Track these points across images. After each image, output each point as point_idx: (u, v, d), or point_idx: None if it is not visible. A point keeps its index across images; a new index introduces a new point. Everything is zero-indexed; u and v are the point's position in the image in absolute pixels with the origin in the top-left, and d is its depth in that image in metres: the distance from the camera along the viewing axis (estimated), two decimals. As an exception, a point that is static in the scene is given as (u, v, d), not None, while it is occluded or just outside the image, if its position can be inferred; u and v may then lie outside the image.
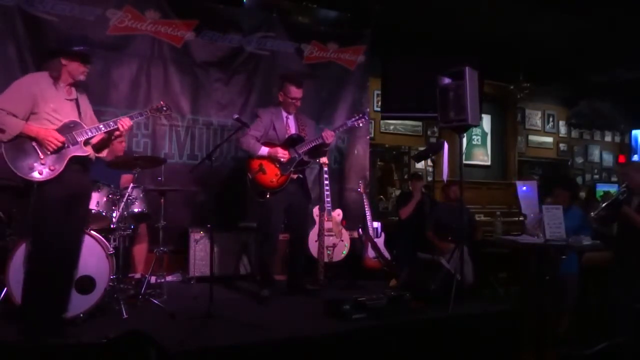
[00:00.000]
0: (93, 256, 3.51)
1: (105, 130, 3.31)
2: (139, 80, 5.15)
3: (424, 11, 6.18)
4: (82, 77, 3.29)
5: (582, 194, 8.78)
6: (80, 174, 3.27)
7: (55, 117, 3.15)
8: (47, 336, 3.04)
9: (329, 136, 4.41)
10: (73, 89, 3.30)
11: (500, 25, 6.45)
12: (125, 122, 3.35)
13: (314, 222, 5.14)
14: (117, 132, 3.38)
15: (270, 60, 5.75)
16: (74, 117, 3.24)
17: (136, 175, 4.02)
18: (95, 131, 3.26)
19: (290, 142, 4.41)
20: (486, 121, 8.48)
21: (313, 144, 4.40)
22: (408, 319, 3.71)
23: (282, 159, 4.29)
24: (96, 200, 3.78)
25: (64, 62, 3.20)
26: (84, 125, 3.25)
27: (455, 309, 3.86)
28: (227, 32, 5.52)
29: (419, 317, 3.77)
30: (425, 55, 5.96)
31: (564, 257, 4.01)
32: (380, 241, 5.43)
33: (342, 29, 6.29)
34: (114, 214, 3.85)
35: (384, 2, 5.91)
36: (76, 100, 3.30)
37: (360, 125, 4.90)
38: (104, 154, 3.53)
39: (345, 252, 5.29)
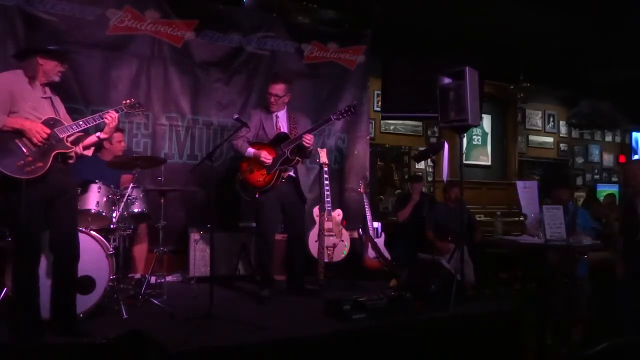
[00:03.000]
0: (93, 256, 3.50)
1: (86, 127, 3.24)
2: (138, 81, 5.15)
3: (424, 11, 6.18)
4: (56, 78, 3.24)
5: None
6: (63, 174, 3.22)
7: (35, 115, 3.10)
8: (38, 336, 3.03)
9: (308, 138, 4.33)
10: (47, 88, 3.25)
11: (501, 25, 6.45)
12: (112, 115, 3.32)
13: (314, 222, 5.14)
14: (108, 128, 3.36)
15: (271, 60, 5.75)
16: (52, 115, 3.19)
17: (136, 175, 4.02)
18: (75, 127, 3.20)
19: (277, 140, 4.39)
20: (486, 121, 8.49)
21: (295, 142, 4.34)
22: (408, 319, 3.70)
23: (264, 162, 4.28)
24: (96, 200, 3.78)
25: (40, 61, 3.15)
26: (64, 122, 3.20)
27: (455, 309, 3.85)
28: (227, 32, 5.51)
29: (419, 317, 3.76)
30: (425, 55, 5.95)
31: (585, 256, 3.98)
32: (380, 241, 5.42)
33: (343, 29, 6.29)
34: (114, 214, 3.84)
35: (384, 3, 5.91)
36: (51, 99, 3.26)
37: (347, 117, 4.82)
38: (89, 152, 3.49)
39: (345, 252, 5.28)
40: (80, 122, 3.23)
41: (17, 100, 3.06)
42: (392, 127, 7.66)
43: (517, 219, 6.48)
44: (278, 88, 4.44)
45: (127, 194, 3.90)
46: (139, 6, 5.09)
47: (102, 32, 4.93)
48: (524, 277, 5.03)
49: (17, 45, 4.54)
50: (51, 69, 3.19)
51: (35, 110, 3.11)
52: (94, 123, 3.30)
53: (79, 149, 3.37)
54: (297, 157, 4.40)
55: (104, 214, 3.81)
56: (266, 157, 4.29)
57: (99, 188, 3.81)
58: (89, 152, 3.49)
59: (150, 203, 4.27)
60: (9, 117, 3.02)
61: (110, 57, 5.00)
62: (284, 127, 4.51)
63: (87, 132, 3.38)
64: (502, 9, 6.12)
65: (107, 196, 3.84)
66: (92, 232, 3.62)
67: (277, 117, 4.52)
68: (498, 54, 6.61)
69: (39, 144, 3.02)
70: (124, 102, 3.53)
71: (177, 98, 5.34)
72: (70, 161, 3.30)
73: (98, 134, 3.43)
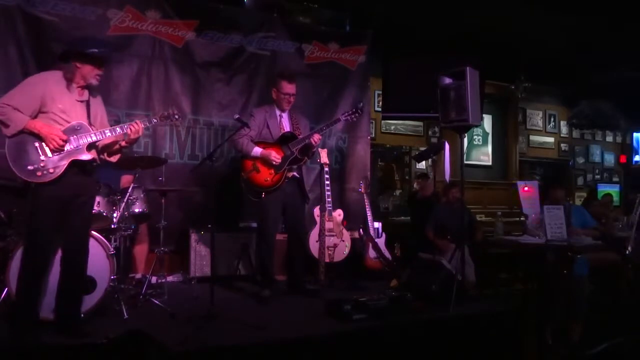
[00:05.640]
0: (94, 256, 3.49)
1: (112, 136, 3.27)
2: (139, 81, 5.15)
3: (424, 11, 6.18)
4: (94, 81, 3.25)
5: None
6: (81, 177, 3.22)
7: (63, 118, 3.12)
8: (35, 337, 3.04)
9: (317, 138, 4.37)
10: (85, 91, 3.27)
11: (501, 25, 6.45)
12: (135, 127, 3.31)
13: (314, 223, 5.14)
14: (129, 138, 3.35)
15: (271, 60, 5.75)
16: (83, 119, 3.20)
17: (137, 175, 4.02)
18: (100, 135, 3.22)
19: (284, 140, 4.41)
20: (487, 121, 8.48)
21: (305, 142, 4.37)
22: (409, 320, 3.71)
23: (274, 162, 4.29)
24: (97, 201, 3.77)
25: (78, 65, 3.18)
26: (91, 128, 3.21)
27: (456, 309, 3.85)
28: (227, 32, 5.51)
29: (420, 317, 3.77)
30: (425, 55, 5.95)
31: (579, 256, 3.98)
32: (381, 241, 5.43)
33: (343, 29, 6.30)
34: (115, 214, 3.85)
35: (385, 2, 5.91)
36: (87, 102, 3.27)
37: (354, 119, 4.87)
38: (114, 159, 3.49)
39: (346, 252, 5.28)
40: (106, 131, 3.25)
41: (47, 101, 3.09)
42: (392, 127, 7.66)
43: (518, 219, 6.48)
44: (293, 87, 4.46)
45: (128, 194, 3.90)
46: (140, 6, 5.10)
47: (103, 32, 4.93)
48: (525, 278, 5.02)
49: (18, 46, 4.56)
50: (88, 72, 3.21)
51: (64, 112, 3.13)
52: (121, 132, 3.30)
53: (104, 155, 3.40)
54: (305, 157, 4.42)
55: (104, 214, 3.81)
56: (276, 156, 4.30)
57: (100, 188, 3.81)
58: (114, 159, 3.50)
59: (151, 203, 4.28)
60: (36, 117, 3.06)
61: (111, 57, 5.00)
62: (287, 126, 4.52)
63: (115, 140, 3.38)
64: (502, 9, 6.12)
65: (108, 196, 3.84)
66: (93, 232, 3.62)
67: (281, 116, 4.53)
68: (498, 54, 6.61)
69: (55, 150, 3.05)
70: (160, 113, 3.54)
71: (178, 98, 5.34)
72: (93, 164, 3.31)
73: (120, 142, 3.44)
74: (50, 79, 3.17)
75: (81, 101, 3.24)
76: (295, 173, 4.45)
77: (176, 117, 3.56)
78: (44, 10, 4.66)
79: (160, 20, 5.20)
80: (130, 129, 3.31)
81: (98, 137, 3.22)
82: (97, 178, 3.83)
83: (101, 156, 3.40)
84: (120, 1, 5.00)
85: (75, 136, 3.13)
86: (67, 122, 3.13)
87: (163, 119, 3.53)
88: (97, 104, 3.37)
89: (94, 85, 3.29)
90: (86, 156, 3.19)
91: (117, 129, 3.29)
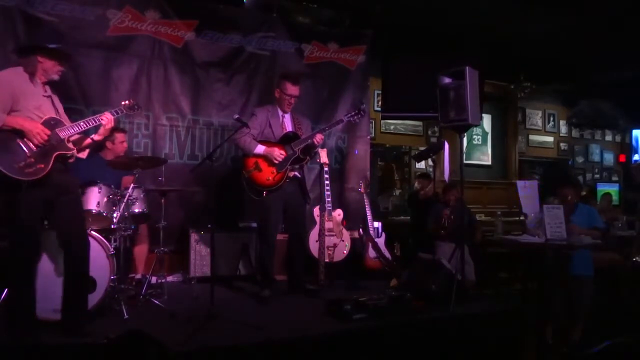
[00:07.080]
0: (94, 256, 3.48)
1: (86, 128, 3.23)
2: (139, 81, 5.15)
3: (424, 11, 6.18)
4: (56, 77, 3.21)
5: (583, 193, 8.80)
6: (63, 174, 3.20)
7: (38, 115, 3.08)
8: (32, 337, 3.03)
9: (319, 138, 4.41)
10: (47, 87, 3.23)
11: (500, 25, 6.45)
12: (107, 116, 3.30)
13: (314, 222, 5.14)
14: (103, 129, 3.33)
15: (271, 60, 5.75)
16: (53, 114, 3.17)
17: (137, 175, 4.02)
18: (77, 128, 3.18)
19: (286, 140, 4.42)
20: (487, 121, 8.49)
21: (307, 142, 4.39)
22: (409, 319, 3.71)
23: (276, 160, 4.29)
24: (97, 201, 3.79)
25: (40, 59, 3.12)
26: (64, 122, 3.18)
27: (456, 309, 3.85)
28: (227, 32, 5.51)
29: (420, 317, 3.77)
30: (425, 55, 5.95)
31: (574, 252, 3.98)
32: (381, 241, 5.43)
33: (343, 29, 6.29)
34: (115, 214, 3.85)
35: (385, 2, 5.91)
36: (51, 97, 3.24)
37: (357, 120, 4.90)
38: (84, 155, 3.46)
39: (346, 252, 5.28)
40: (81, 123, 3.21)
41: (19, 98, 3.03)
42: (392, 127, 7.66)
43: (517, 218, 6.48)
44: (296, 89, 4.47)
45: (128, 194, 3.90)
46: (139, 6, 5.09)
47: (102, 33, 4.93)
48: (525, 277, 5.03)
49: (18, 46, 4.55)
50: (50, 67, 3.17)
51: (37, 109, 3.09)
52: (94, 124, 3.28)
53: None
54: (307, 156, 4.43)
55: (104, 214, 3.81)
56: (279, 153, 4.30)
57: (100, 188, 3.82)
58: (84, 155, 3.47)
59: (150, 203, 4.28)
60: (9, 115, 2.99)
61: (110, 57, 5.00)
62: (289, 126, 4.53)
63: (86, 134, 3.38)
64: (502, 9, 6.12)
65: (108, 196, 3.84)
66: (92, 232, 3.62)
67: (283, 117, 4.54)
68: (498, 53, 6.61)
69: (40, 145, 3.01)
70: (122, 103, 3.51)
71: (178, 98, 5.34)
72: (70, 160, 3.29)
73: (92, 135, 3.42)
74: (16, 75, 3.10)
75: (46, 96, 3.21)
76: (296, 173, 4.46)
77: (136, 107, 3.54)
78: (43, 11, 4.66)
79: (160, 21, 5.20)
80: (103, 119, 3.29)
81: (76, 129, 3.18)
82: (98, 178, 3.87)
83: None
84: (120, 1, 4.99)
85: (54, 130, 3.09)
86: (41, 119, 3.08)
87: (127, 110, 3.49)
88: (57, 101, 3.32)
89: (55, 81, 3.24)
90: (68, 149, 3.16)
91: (91, 120, 3.25)
